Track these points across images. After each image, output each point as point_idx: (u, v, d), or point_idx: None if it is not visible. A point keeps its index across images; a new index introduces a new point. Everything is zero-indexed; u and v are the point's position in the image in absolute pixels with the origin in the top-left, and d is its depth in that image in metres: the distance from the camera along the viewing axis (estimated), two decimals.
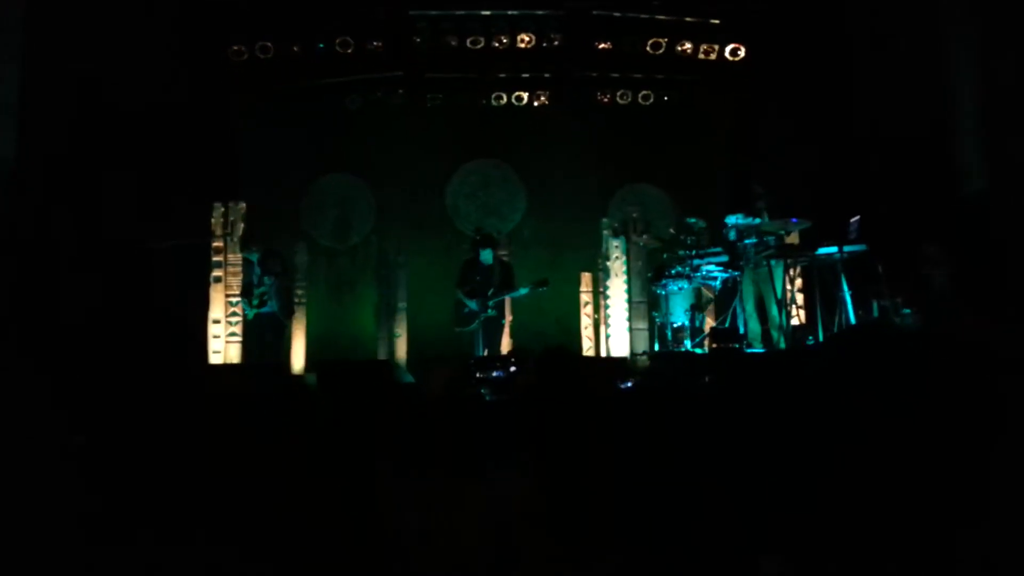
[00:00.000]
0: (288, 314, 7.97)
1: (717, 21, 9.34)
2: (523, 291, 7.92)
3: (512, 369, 4.75)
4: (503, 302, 7.99)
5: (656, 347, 7.71)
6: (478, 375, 5.00)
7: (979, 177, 6.57)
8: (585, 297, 8.91)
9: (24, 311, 5.59)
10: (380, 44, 9.27)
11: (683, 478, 1.85)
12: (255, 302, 7.69)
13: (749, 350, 6.75)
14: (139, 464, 1.40)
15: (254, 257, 7.76)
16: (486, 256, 7.94)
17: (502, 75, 9.88)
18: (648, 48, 9.38)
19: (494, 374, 4.89)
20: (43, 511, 1.32)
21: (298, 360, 8.30)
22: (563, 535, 1.61)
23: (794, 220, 6.79)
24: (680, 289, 7.49)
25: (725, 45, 9.42)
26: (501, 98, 10.06)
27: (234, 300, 7.59)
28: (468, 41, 9.26)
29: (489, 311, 7.80)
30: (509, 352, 6.69)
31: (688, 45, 9.40)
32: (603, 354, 8.14)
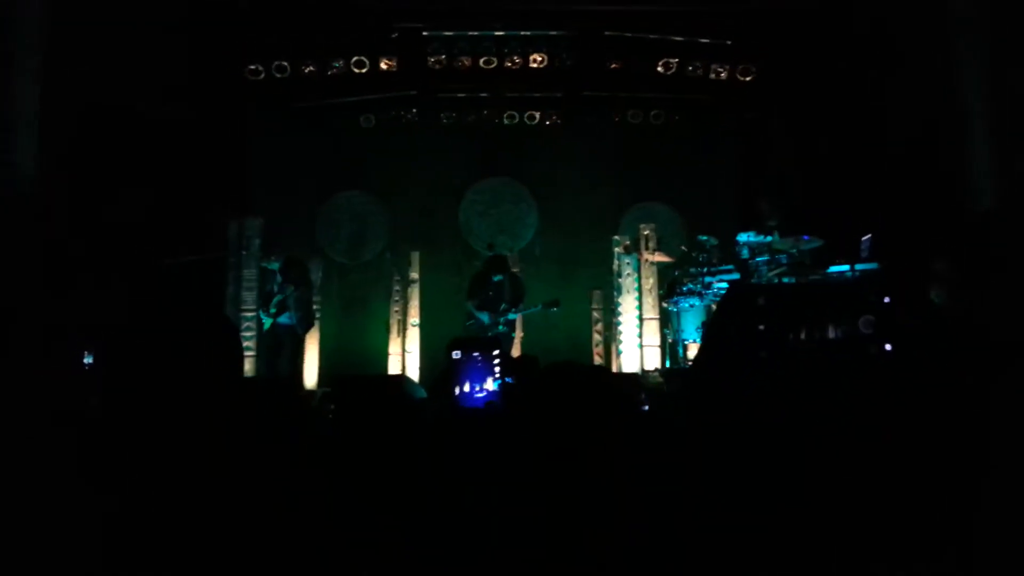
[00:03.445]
0: (305, 327, 7.79)
1: (728, 42, 9.41)
2: (534, 310, 7.95)
3: (518, 376, 4.75)
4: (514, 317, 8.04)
5: (668, 364, 7.72)
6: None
7: (988, 195, 6.58)
8: (596, 314, 8.94)
9: (44, 323, 5.67)
10: (394, 63, 9.39)
11: (693, 494, 1.87)
12: (272, 311, 7.56)
13: None
14: (144, 477, 1.42)
15: (274, 266, 7.66)
16: (497, 276, 8.00)
17: (514, 94, 9.97)
18: (659, 68, 9.45)
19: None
20: (43, 513, 1.35)
21: (311, 375, 8.35)
22: (566, 551, 1.63)
23: (805, 238, 6.81)
24: (692, 306, 7.51)
25: (736, 65, 9.48)
26: (513, 117, 10.15)
27: (248, 315, 7.63)
28: (481, 61, 9.36)
29: (500, 327, 7.83)
30: (515, 358, 6.70)
31: (699, 65, 9.47)
32: (614, 371, 8.15)
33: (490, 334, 7.80)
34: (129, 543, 1.33)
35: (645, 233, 8.12)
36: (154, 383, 1.51)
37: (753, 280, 7.13)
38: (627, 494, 1.85)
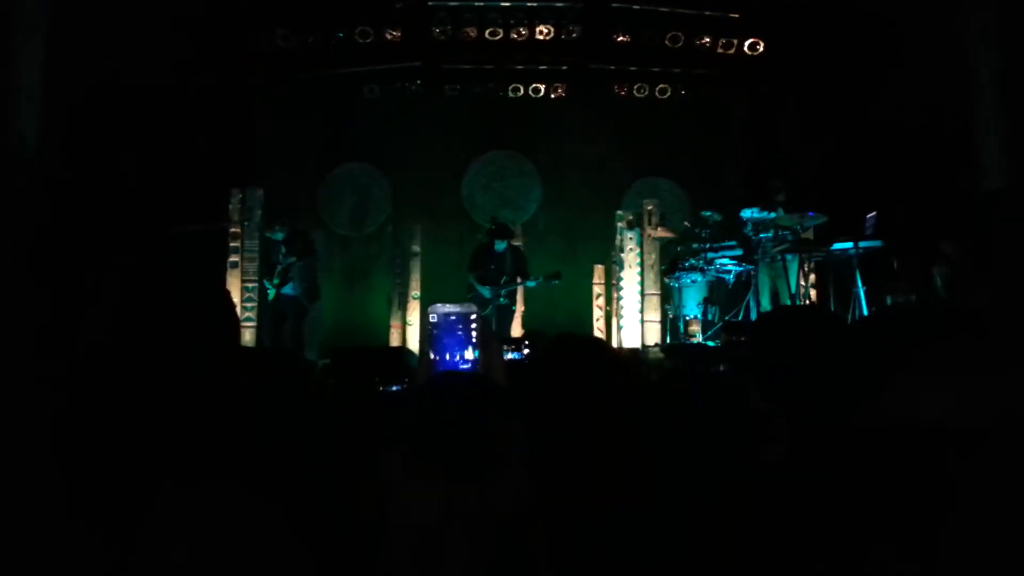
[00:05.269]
0: (311, 297, 7.88)
1: (736, 15, 9.30)
2: (535, 282, 7.96)
3: (526, 351, 4.74)
4: (515, 290, 8.04)
5: (668, 339, 7.73)
6: None
7: (999, 174, 6.52)
8: (598, 289, 8.93)
9: (47, 296, 5.67)
10: (398, 34, 9.30)
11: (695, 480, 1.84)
12: (276, 280, 7.67)
13: None
14: (142, 450, 1.41)
15: (278, 236, 7.73)
16: (500, 245, 7.99)
17: (520, 66, 9.88)
18: (667, 41, 9.35)
19: (507, 356, 4.86)
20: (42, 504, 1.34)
21: (312, 346, 8.36)
22: (567, 539, 1.61)
23: (810, 215, 6.78)
24: (693, 282, 7.50)
25: (744, 39, 9.37)
26: (518, 89, 10.06)
27: (251, 285, 7.64)
28: (486, 32, 9.26)
29: (501, 300, 7.84)
30: (523, 335, 6.71)
31: (707, 39, 9.37)
32: (615, 345, 8.15)
33: (491, 307, 7.80)
34: (122, 513, 1.33)
35: (649, 208, 8.08)
36: (152, 350, 1.49)
37: (756, 256, 7.10)
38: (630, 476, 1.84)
